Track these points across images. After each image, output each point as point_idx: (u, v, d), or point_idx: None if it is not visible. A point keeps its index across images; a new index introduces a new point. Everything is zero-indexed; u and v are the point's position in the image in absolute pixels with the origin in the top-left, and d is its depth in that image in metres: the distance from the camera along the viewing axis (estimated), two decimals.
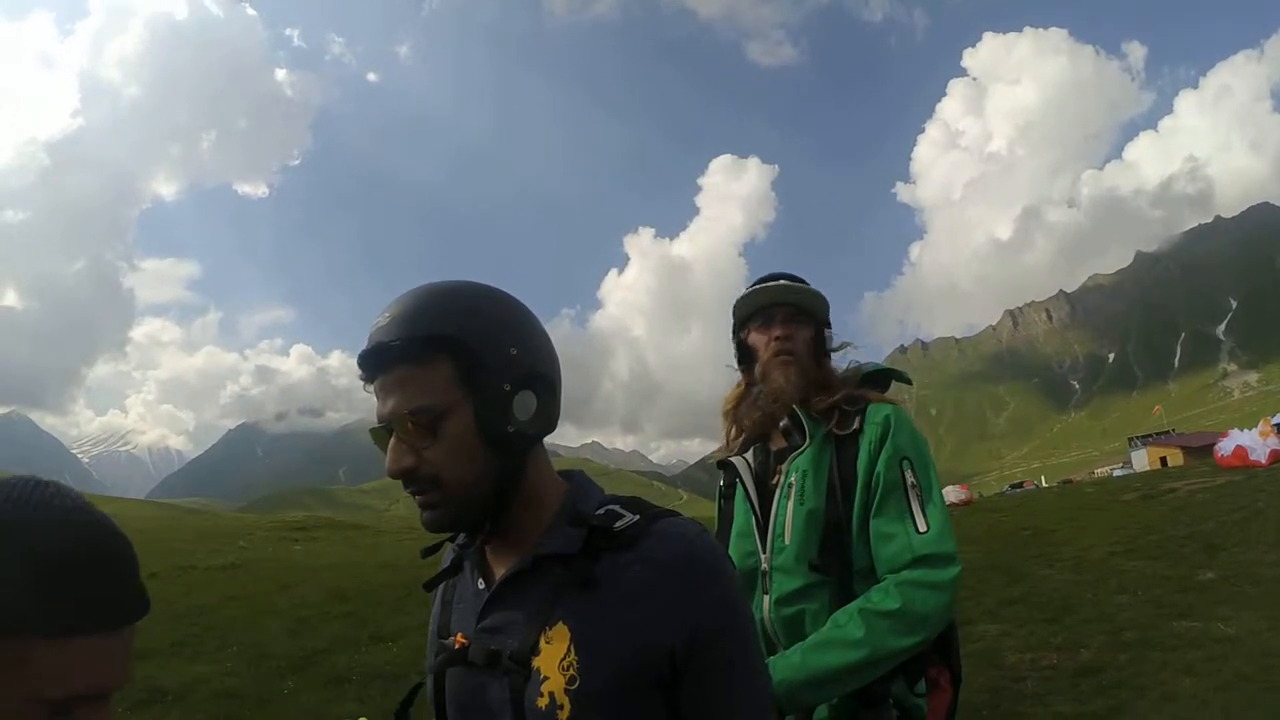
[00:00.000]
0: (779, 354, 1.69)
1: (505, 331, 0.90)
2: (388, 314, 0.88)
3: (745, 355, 1.77)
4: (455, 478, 0.87)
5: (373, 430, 0.90)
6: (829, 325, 1.76)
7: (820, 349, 1.74)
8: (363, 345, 0.90)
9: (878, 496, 1.55)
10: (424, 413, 0.85)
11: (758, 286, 1.75)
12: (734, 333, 1.81)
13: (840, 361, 1.79)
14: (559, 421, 0.95)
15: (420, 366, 0.86)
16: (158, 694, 6.39)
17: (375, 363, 0.88)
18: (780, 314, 1.72)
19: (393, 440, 0.88)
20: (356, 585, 12.03)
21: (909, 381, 1.92)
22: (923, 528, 1.51)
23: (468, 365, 0.86)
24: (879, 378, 1.74)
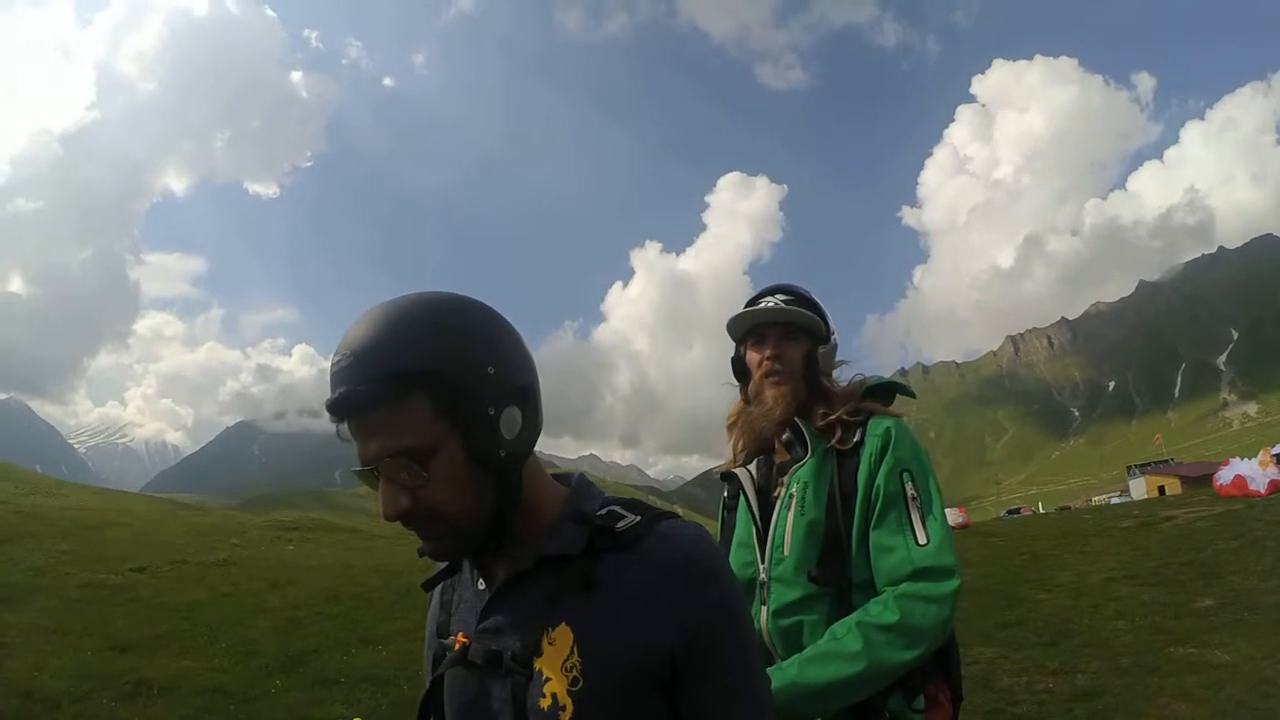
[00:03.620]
0: (769, 374, 1.69)
1: (479, 350, 0.84)
2: (348, 352, 0.81)
3: (741, 373, 1.77)
4: (456, 511, 0.84)
5: (357, 472, 0.84)
6: (826, 341, 1.74)
7: (815, 365, 1.72)
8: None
9: (878, 508, 1.53)
10: (410, 454, 0.81)
11: (749, 308, 1.75)
12: (736, 349, 1.80)
13: (845, 375, 1.78)
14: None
15: (396, 407, 0.80)
16: (143, 687, 6.38)
17: (345, 410, 0.82)
18: (773, 333, 1.71)
19: (383, 484, 0.83)
20: (349, 587, 12.00)
21: (913, 395, 1.90)
22: (922, 540, 1.50)
23: (446, 397, 0.81)
24: (883, 391, 1.73)
